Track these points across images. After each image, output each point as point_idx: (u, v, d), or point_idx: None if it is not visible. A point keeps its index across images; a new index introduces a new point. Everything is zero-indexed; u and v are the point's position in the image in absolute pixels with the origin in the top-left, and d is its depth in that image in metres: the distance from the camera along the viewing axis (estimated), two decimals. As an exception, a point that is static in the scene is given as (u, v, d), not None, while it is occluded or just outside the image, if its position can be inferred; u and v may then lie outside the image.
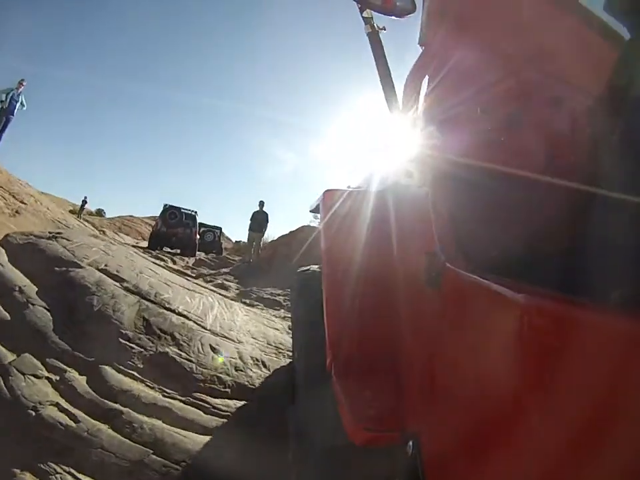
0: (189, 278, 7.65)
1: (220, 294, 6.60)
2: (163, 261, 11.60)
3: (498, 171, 1.18)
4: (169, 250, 16.10)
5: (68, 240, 4.27)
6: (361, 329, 1.61)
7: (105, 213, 34.14)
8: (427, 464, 1.00)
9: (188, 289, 4.03)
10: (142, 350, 2.61)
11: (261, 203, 12.84)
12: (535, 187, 1.18)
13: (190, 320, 3.16)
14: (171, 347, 2.68)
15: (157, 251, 13.90)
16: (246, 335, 3.36)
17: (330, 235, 1.77)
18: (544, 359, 0.63)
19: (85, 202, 26.40)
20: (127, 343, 2.64)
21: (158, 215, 16.77)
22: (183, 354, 2.65)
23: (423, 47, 1.46)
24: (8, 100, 10.07)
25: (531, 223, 1.21)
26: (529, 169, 1.20)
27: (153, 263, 8.35)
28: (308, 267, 2.37)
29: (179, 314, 3.20)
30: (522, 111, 1.27)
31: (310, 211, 2.46)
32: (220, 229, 21.57)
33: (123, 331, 2.72)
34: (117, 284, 3.39)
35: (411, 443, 1.09)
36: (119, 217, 31.70)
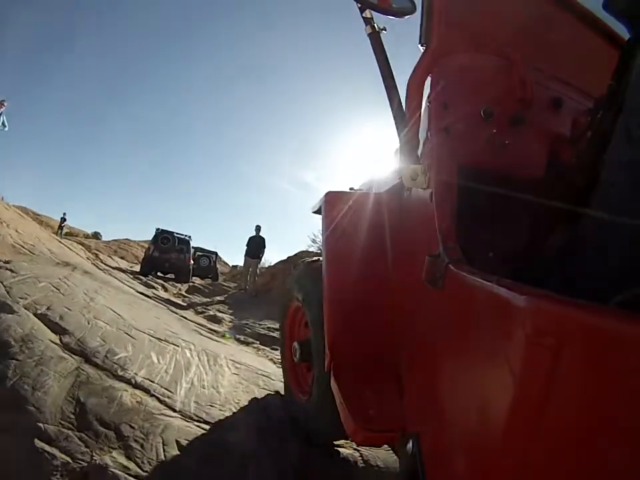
0: (176, 311, 6.72)
1: (210, 329, 5.69)
2: (153, 288, 10.71)
3: (501, 173, 1.27)
4: (162, 275, 15.50)
5: (12, 272, 3.34)
6: (361, 329, 1.59)
7: (101, 235, 33.38)
8: (427, 463, 1.02)
9: (159, 340, 3.05)
10: (68, 461, 1.59)
11: (258, 228, 12.11)
12: (538, 189, 1.28)
13: (152, 395, 2.15)
14: (113, 454, 1.63)
15: (149, 277, 13.10)
16: (235, 408, 2.39)
17: (331, 236, 1.75)
18: (545, 360, 0.63)
19: (63, 219, 24.66)
20: (46, 448, 1.62)
21: (150, 240, 16.00)
22: (131, 466, 1.61)
23: (424, 47, 1.41)
24: None
25: (534, 225, 1.35)
26: (532, 171, 1.33)
27: (140, 293, 7.59)
28: (317, 258, 2.27)
29: (136, 386, 2.18)
30: (525, 112, 1.30)
31: (312, 212, 2.38)
32: (216, 253, 21.01)
33: (42, 425, 1.71)
34: (55, 338, 2.41)
35: (411, 442, 1.10)
36: (115, 240, 31.30)
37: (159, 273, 15.59)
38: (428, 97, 1.32)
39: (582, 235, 0.98)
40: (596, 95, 1.26)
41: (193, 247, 17.45)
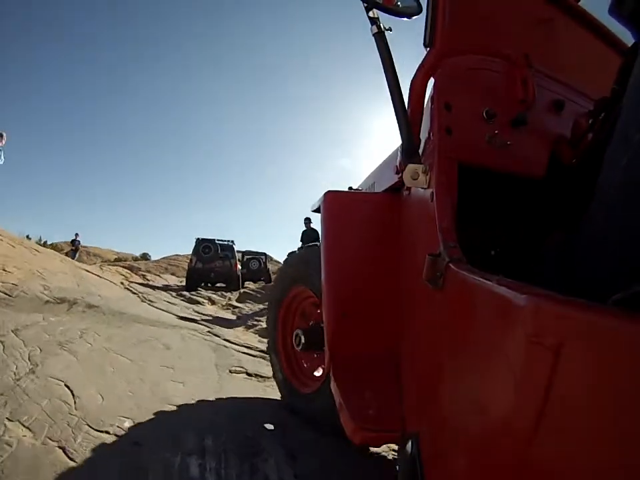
0: (218, 332, 5.34)
1: (262, 352, 4.27)
2: (198, 303, 9.50)
3: (502, 173, 1.31)
4: (212, 286, 14.44)
5: None
6: (361, 328, 1.57)
7: (150, 256, 33.20)
8: (426, 463, 1.01)
9: (133, 447, 1.54)
10: None
11: (307, 220, 11.00)
12: (539, 190, 1.39)
13: None
14: None
15: (196, 292, 11.94)
16: None
17: (330, 235, 1.69)
18: (546, 359, 0.62)
19: (77, 242, 19.75)
20: None
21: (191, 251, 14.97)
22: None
23: (428, 49, 1.36)
24: None
25: (534, 225, 1.43)
26: (533, 171, 1.36)
27: (180, 318, 6.34)
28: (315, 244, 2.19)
29: None
30: (526, 113, 1.31)
31: (311, 211, 2.37)
32: (265, 254, 19.73)
33: None
34: None
35: (410, 442, 1.09)
36: (164, 257, 31.19)
37: (209, 284, 14.73)
38: (431, 97, 1.33)
39: (581, 235, 0.98)
40: (597, 97, 1.28)
41: (240, 251, 16.52)
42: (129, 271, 18.62)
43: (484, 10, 1.45)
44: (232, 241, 15.68)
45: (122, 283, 10.04)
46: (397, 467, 1.16)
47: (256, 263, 18.77)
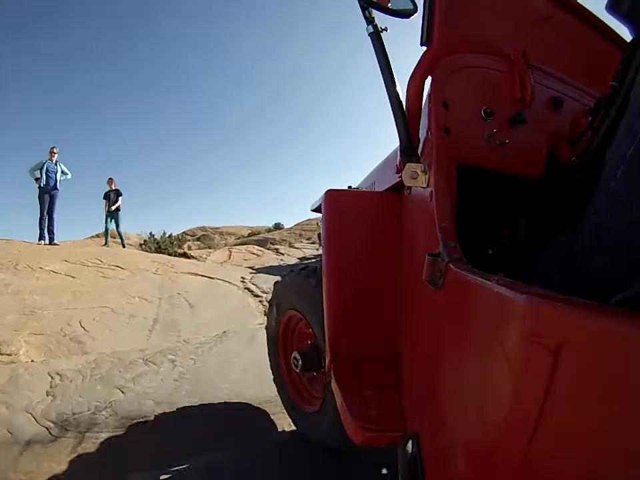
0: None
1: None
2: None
3: (501, 172, 1.27)
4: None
5: None
6: (362, 328, 1.54)
7: (282, 225, 32.32)
8: (427, 463, 1.01)
9: None
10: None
11: None
12: (537, 188, 1.36)
13: None
14: None
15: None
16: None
17: (331, 234, 1.63)
18: (546, 360, 0.60)
19: (111, 193, 11.24)
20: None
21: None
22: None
23: (425, 47, 1.34)
24: (44, 175, 9.14)
25: (534, 224, 1.43)
26: (532, 170, 1.32)
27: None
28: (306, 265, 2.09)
29: None
30: (525, 112, 1.29)
31: (311, 210, 2.36)
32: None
33: None
34: None
35: (411, 442, 1.10)
36: (296, 224, 30.01)
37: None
38: (428, 96, 1.30)
39: (582, 232, 0.96)
40: (596, 94, 1.27)
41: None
42: (260, 249, 16.98)
43: (481, 7, 1.41)
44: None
45: (243, 280, 7.40)
46: (398, 467, 1.13)
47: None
